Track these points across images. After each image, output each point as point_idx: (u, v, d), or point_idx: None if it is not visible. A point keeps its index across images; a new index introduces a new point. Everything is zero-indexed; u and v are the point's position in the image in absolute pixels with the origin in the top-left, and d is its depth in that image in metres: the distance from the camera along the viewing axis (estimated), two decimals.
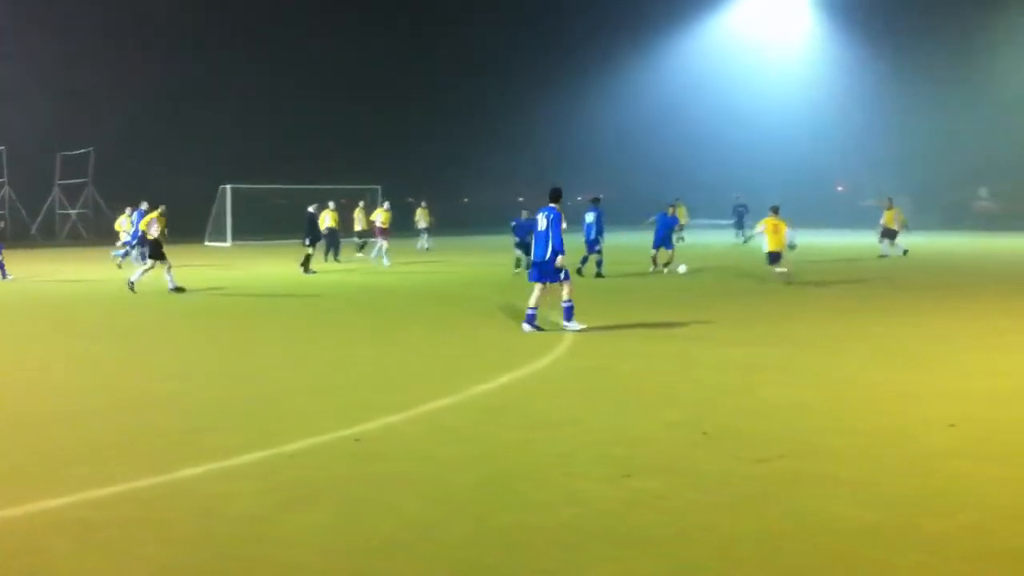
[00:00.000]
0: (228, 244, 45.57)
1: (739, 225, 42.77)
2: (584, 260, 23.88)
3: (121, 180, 51.94)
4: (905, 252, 30.67)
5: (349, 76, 63.89)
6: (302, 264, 26.78)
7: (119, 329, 15.92)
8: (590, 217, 23.86)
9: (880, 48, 61.06)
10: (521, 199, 76.27)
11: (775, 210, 22.02)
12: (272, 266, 30.74)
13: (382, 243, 30.79)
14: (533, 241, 14.34)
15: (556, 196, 14.34)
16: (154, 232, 21.21)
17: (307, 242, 26.79)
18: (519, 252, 24.43)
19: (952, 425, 8.36)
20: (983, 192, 66.29)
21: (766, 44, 68.81)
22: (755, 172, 62.12)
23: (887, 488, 6.66)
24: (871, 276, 24.27)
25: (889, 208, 31.44)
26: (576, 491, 6.65)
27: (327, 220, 30.29)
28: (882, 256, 30.68)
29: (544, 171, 63.27)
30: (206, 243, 46.56)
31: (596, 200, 24.44)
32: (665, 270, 25.16)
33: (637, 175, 67.92)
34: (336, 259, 30.98)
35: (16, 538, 5.86)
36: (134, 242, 28.80)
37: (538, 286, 14.31)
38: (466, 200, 74.46)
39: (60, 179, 53.02)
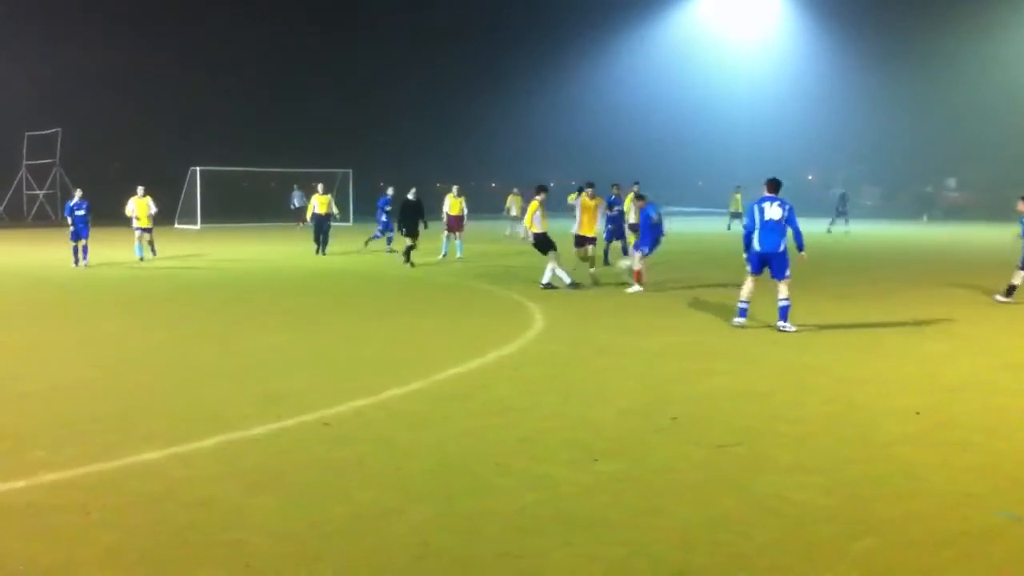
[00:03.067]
0: (198, 227, 45.16)
1: (841, 213, 41.93)
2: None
3: (89, 161, 51.62)
4: None
5: (316, 60, 63.59)
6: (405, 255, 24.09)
7: (95, 309, 15.79)
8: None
9: (851, 38, 61.43)
10: (493, 184, 76.29)
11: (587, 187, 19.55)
12: (265, 248, 30.54)
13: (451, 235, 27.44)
14: (759, 232, 13.19)
15: (778, 185, 13.54)
16: (538, 225, 18.20)
17: (403, 231, 24.02)
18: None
19: (918, 413, 8.44)
20: (951, 183, 66.89)
21: (737, 34, 69.08)
22: (729, 161, 62.38)
23: (843, 474, 6.72)
24: (828, 264, 24.42)
25: None
26: (538, 476, 6.65)
27: (315, 206, 28.33)
28: None
29: (514, 162, 63.27)
30: (176, 226, 46.15)
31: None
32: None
33: (609, 166, 68.02)
34: (323, 251, 28.26)
35: None
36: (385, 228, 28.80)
37: (752, 278, 13.44)
38: (437, 185, 74.23)
39: (27, 159, 52.41)
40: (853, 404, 8.88)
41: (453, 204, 27.26)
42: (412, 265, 23.37)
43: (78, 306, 16.55)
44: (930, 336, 12.88)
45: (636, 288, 17.57)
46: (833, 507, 6.05)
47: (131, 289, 19.03)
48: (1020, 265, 16.17)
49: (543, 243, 18.28)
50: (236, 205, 49.65)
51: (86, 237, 23.62)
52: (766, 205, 13.21)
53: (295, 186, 46.28)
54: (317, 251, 27.92)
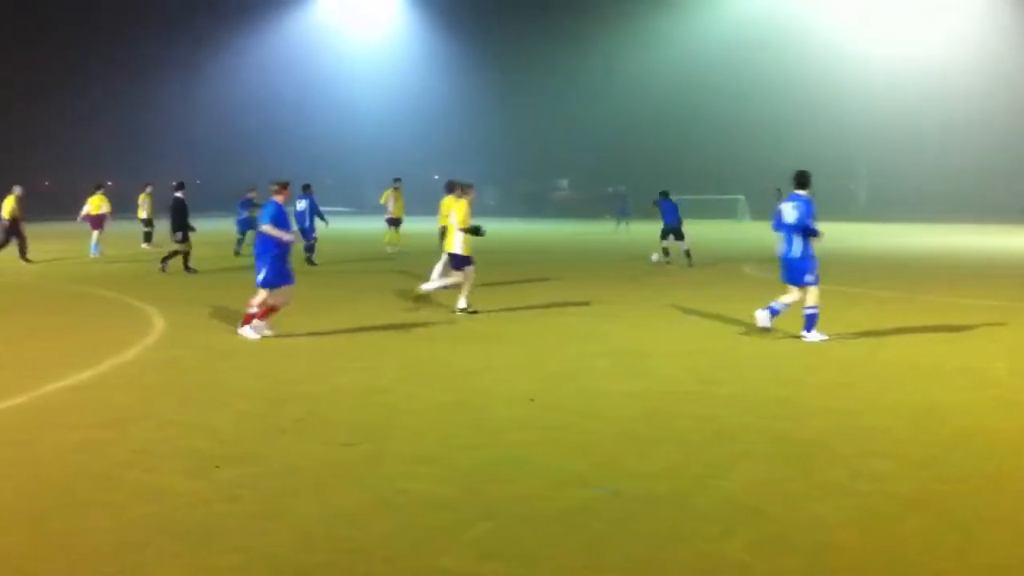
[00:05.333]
0: None
1: (622, 213, 43.38)
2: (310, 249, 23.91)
3: None
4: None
5: None
6: (168, 260, 21.61)
7: None
8: (302, 204, 23.85)
9: (468, 40, 64.00)
10: (111, 183, 71.83)
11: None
12: None
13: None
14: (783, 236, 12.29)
15: (806, 181, 12.33)
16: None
17: (179, 236, 21.46)
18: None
19: (532, 400, 8.94)
20: (563, 183, 71.70)
21: (352, 31, 70.01)
22: (351, 159, 62.92)
23: (458, 462, 7.01)
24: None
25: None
26: (152, 488, 6.36)
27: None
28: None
29: (121, 156, 60.10)
30: None
31: (307, 188, 24.26)
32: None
33: (233, 165, 66.62)
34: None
35: None
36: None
37: (795, 289, 12.33)
38: (47, 183, 68.93)
39: None
40: (467, 392, 9.29)
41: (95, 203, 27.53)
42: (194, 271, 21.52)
43: None
44: (546, 325, 13.70)
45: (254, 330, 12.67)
46: (448, 494, 6.29)
47: None
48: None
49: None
50: None
51: None
52: (787, 206, 12.30)
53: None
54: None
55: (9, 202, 24.18)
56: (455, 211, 14.68)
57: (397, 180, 27.68)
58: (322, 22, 70.40)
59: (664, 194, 24.39)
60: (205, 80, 65.41)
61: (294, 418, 8.21)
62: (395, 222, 27.55)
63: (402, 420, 8.21)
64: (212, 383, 9.79)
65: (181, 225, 21.28)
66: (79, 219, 28.69)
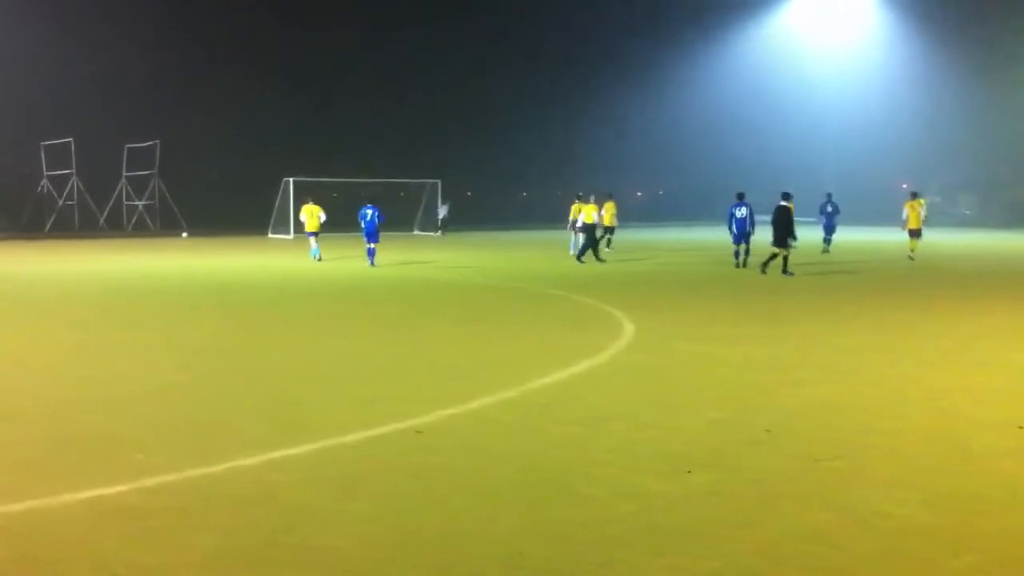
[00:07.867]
0: (291, 236, 45.75)
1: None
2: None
3: (185, 172, 53.08)
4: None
5: (401, 71, 64.61)
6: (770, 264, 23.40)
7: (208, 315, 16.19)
8: (741, 212, 25.39)
9: (944, 40, 59.89)
10: (593, 197, 76.24)
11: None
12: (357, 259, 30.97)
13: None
14: None
15: None
16: None
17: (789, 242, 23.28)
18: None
19: (1021, 427, 8.20)
20: None
21: (825, 37, 68.10)
22: (812, 168, 61.39)
23: (942, 488, 6.57)
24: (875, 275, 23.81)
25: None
26: (629, 486, 6.64)
27: (582, 215, 28.36)
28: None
29: (597, 170, 63.03)
30: (270, 235, 47.03)
31: (742, 195, 25.56)
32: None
33: (691, 173, 67.75)
34: (595, 258, 28.36)
35: (68, 525, 5.96)
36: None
37: None
38: (524, 195, 74.83)
39: (127, 171, 53.87)
40: (948, 416, 8.69)
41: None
42: (764, 271, 23.18)
43: (169, 310, 16.96)
44: (1020, 346, 12.51)
45: None
46: (932, 522, 5.93)
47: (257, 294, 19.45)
48: None
49: None
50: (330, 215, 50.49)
51: (374, 241, 26.94)
52: None
53: (440, 199, 51.53)
54: (581, 259, 28.17)
55: (609, 207, 31.50)
56: None
57: (915, 193, 29.99)
58: (789, 25, 69.42)
59: None
60: (667, 87, 67.13)
61: (763, 428, 8.18)
62: (915, 233, 29.21)
63: (873, 439, 7.87)
64: (681, 388, 10.02)
65: (786, 231, 22.90)
66: (568, 227, 31.70)
